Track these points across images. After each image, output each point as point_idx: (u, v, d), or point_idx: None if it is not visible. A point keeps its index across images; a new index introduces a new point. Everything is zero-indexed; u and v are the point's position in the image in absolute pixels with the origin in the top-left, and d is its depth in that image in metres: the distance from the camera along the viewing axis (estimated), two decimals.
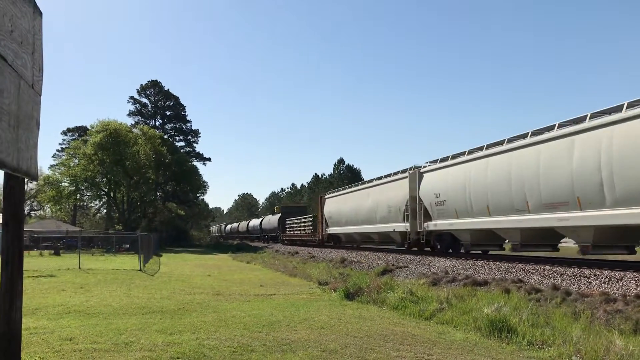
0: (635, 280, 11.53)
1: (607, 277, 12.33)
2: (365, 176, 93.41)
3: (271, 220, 63.68)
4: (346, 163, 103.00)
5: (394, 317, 10.75)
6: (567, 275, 13.31)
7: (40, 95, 6.97)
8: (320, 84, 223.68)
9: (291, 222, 52.14)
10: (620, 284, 11.69)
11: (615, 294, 10.97)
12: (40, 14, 6.81)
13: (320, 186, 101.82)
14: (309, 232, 44.06)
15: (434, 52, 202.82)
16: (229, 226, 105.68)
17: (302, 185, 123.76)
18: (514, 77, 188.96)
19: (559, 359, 7.19)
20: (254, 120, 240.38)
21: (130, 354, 6.76)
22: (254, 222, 78.68)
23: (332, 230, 36.82)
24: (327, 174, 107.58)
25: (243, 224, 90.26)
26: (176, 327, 8.96)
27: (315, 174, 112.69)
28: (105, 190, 63.49)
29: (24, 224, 6.63)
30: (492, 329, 8.72)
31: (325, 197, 39.55)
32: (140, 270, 23.27)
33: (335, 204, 36.28)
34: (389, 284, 14.06)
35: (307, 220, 46.15)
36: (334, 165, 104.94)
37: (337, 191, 38.22)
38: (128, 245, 48.07)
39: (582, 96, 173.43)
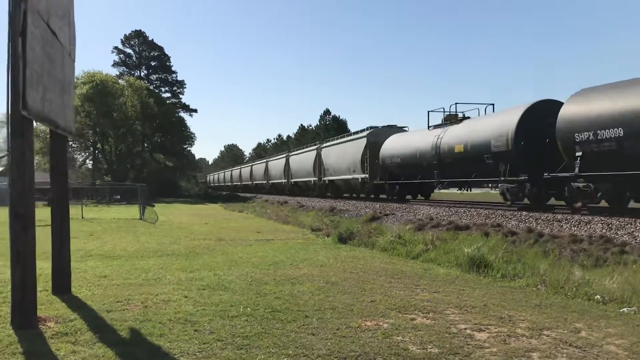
0: (602, 224, 12.80)
1: (577, 221, 13.59)
2: (352, 127, 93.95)
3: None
4: (332, 114, 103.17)
5: (384, 257, 11.99)
6: (542, 220, 14.56)
7: (74, 62, 7.87)
8: (308, 35, 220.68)
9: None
10: (588, 226, 12.96)
11: (582, 235, 12.24)
12: None
13: (307, 137, 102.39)
14: None
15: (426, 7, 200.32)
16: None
17: (289, 136, 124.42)
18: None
19: (526, 287, 8.45)
20: (240, 71, 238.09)
21: (163, 287, 7.86)
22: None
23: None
24: (313, 125, 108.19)
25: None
26: (193, 266, 10.08)
27: (302, 124, 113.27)
28: (92, 141, 63.78)
29: (67, 178, 7.62)
30: (471, 265, 9.97)
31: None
32: (140, 219, 24.35)
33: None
34: (379, 229, 15.30)
35: None
36: (320, 116, 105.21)
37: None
38: (119, 197, 48.93)
39: None
